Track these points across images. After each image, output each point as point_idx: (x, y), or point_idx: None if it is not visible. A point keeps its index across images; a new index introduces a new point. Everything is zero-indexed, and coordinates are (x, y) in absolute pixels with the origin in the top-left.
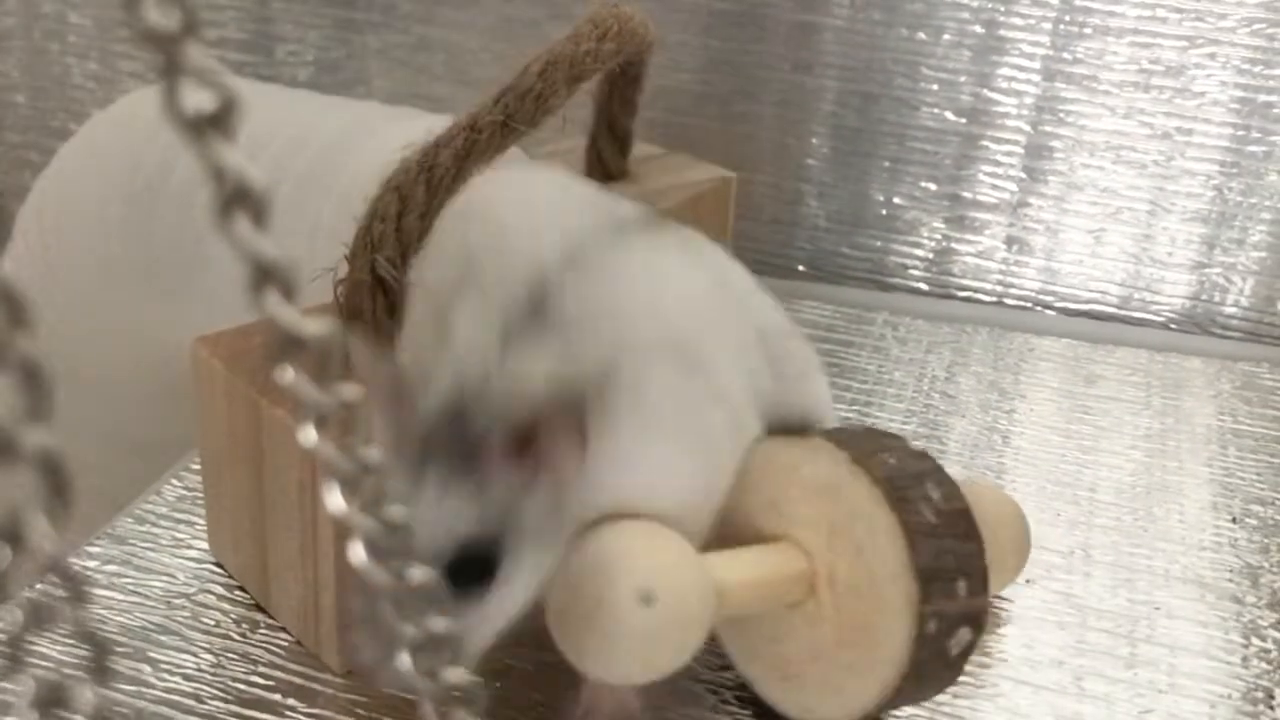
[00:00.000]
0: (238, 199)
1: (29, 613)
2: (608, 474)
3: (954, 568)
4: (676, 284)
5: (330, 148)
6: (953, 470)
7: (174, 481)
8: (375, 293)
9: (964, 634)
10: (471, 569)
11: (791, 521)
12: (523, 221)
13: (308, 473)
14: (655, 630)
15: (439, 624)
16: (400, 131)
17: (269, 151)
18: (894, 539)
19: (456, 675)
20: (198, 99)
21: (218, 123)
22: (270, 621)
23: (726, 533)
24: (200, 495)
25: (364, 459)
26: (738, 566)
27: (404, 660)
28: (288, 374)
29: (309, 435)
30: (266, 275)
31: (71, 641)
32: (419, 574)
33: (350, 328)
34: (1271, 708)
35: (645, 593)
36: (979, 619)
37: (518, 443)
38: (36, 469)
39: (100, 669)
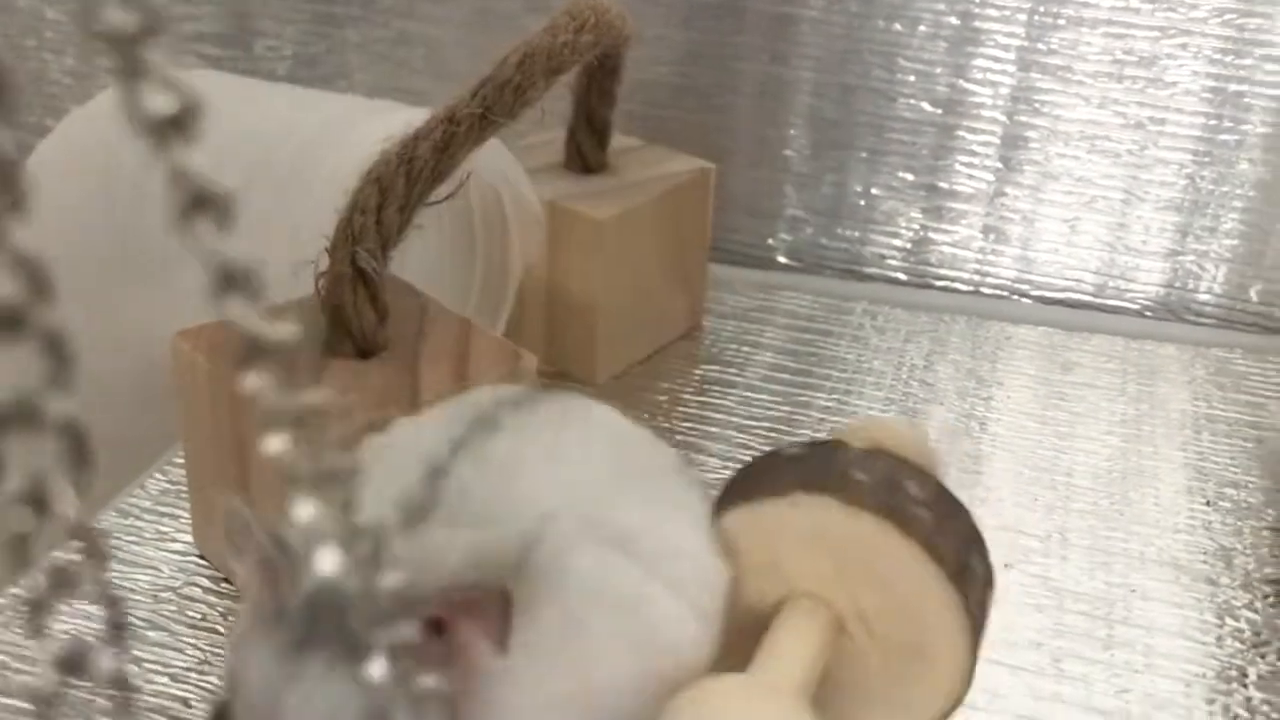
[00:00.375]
0: (199, 203)
1: (51, 577)
2: (529, 671)
3: (964, 547)
4: (575, 457)
5: (311, 142)
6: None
7: (157, 475)
8: (356, 284)
9: (989, 594)
10: None
11: (797, 576)
12: (401, 424)
13: None
14: None
15: (409, 631)
16: (381, 125)
17: (249, 146)
18: (912, 556)
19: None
20: (158, 101)
21: (179, 125)
22: None
23: (735, 607)
24: (184, 489)
25: (331, 463)
26: (791, 665)
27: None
28: (251, 379)
29: (272, 442)
30: (229, 280)
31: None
32: (390, 580)
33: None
34: (1245, 686)
35: None
36: (992, 573)
37: (428, 625)
38: (60, 437)
39: (119, 632)
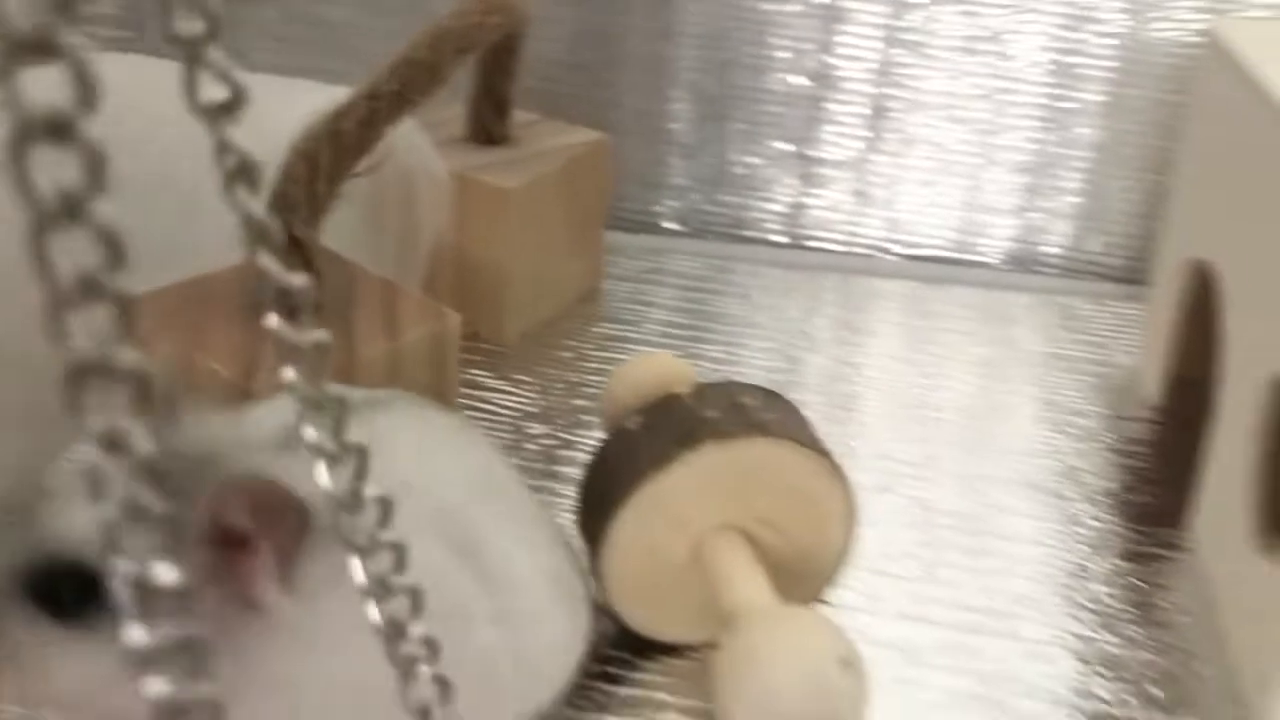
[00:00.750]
0: (240, 172)
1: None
2: (309, 639)
3: (803, 422)
4: (449, 457)
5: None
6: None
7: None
8: (291, 252)
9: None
10: (76, 595)
11: (703, 518)
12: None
13: None
14: (858, 690)
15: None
16: (297, 104)
17: (167, 128)
18: (786, 453)
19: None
20: (214, 91)
21: (228, 110)
22: None
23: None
24: None
25: (331, 392)
26: (758, 589)
27: None
28: (272, 319)
29: (288, 373)
30: (261, 235)
31: None
32: (372, 490)
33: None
34: (1089, 581)
35: (845, 659)
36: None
37: (218, 530)
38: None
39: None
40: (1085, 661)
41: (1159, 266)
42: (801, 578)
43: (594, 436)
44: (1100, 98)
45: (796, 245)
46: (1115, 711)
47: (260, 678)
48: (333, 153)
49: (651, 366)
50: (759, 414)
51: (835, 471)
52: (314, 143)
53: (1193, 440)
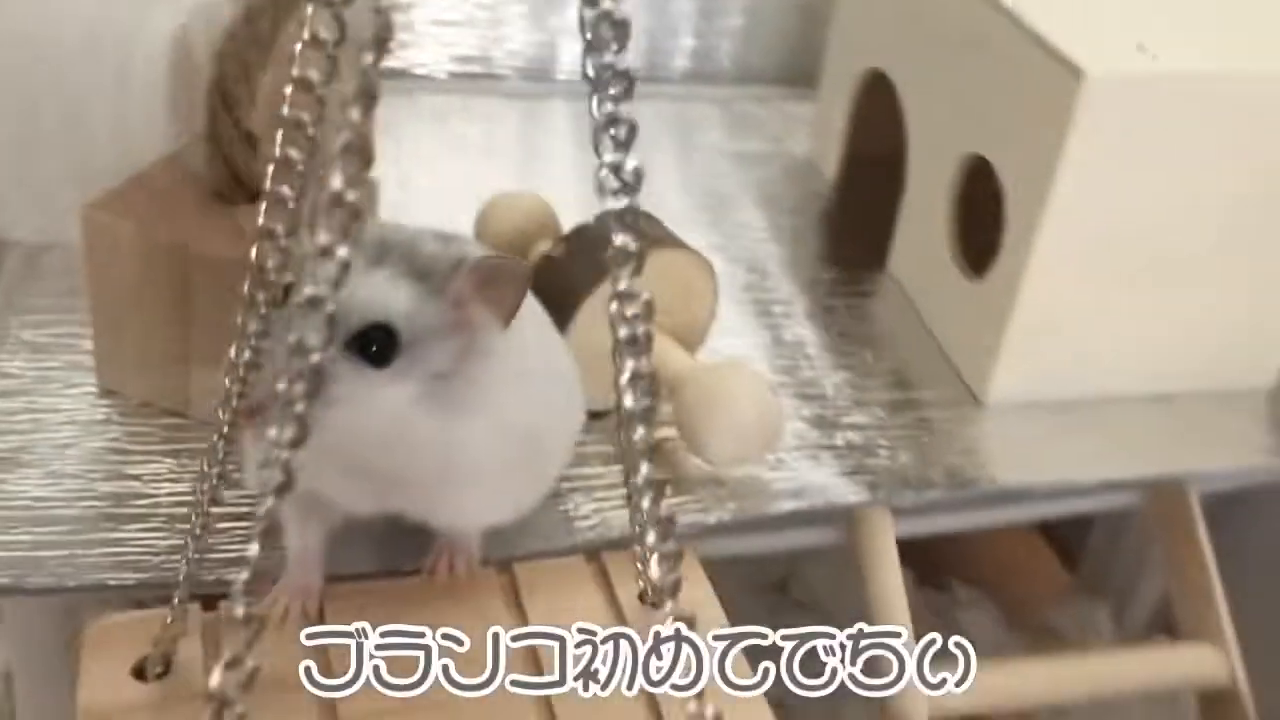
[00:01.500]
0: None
1: None
2: (514, 366)
3: (670, 231)
4: None
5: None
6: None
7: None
8: (244, 143)
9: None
10: (384, 346)
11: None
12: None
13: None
14: (780, 406)
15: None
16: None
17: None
18: (674, 255)
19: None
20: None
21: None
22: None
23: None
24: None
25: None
26: (683, 355)
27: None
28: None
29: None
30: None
31: None
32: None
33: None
34: (834, 315)
35: (771, 386)
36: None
37: (458, 295)
38: None
39: None
40: (853, 370)
41: (829, 74)
42: (688, 345)
43: None
44: None
45: (539, 78)
46: (884, 395)
47: (480, 396)
48: (256, 50)
49: (521, 204)
50: (652, 229)
51: (706, 264)
52: (238, 43)
53: (877, 206)
